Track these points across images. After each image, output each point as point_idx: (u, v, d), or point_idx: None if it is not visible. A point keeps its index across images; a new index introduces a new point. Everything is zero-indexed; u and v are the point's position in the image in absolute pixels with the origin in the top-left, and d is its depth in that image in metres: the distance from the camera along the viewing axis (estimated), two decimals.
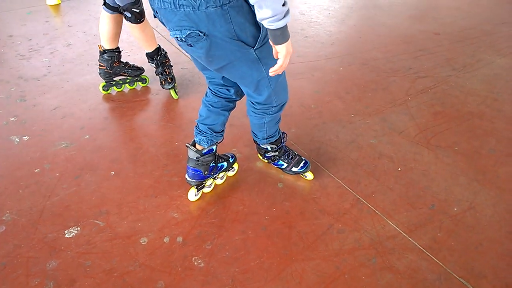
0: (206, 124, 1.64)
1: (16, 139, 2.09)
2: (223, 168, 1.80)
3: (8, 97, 2.45)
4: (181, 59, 2.96)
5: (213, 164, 1.71)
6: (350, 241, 1.59)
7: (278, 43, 1.17)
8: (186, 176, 1.70)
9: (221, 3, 1.13)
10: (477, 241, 1.62)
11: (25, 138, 2.10)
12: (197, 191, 1.75)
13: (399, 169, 1.97)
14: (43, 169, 1.88)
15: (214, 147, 1.68)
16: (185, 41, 1.22)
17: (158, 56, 2.44)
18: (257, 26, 1.23)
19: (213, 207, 1.72)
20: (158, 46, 2.43)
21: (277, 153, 1.84)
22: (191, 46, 1.23)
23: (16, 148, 2.02)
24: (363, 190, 1.83)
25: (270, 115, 1.62)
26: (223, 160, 1.80)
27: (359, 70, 2.91)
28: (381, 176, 1.92)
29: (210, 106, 1.63)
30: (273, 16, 1.08)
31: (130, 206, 1.71)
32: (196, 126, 1.67)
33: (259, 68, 1.34)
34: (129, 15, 2.13)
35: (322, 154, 2.05)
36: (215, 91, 1.62)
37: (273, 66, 1.27)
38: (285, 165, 1.87)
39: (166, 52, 2.50)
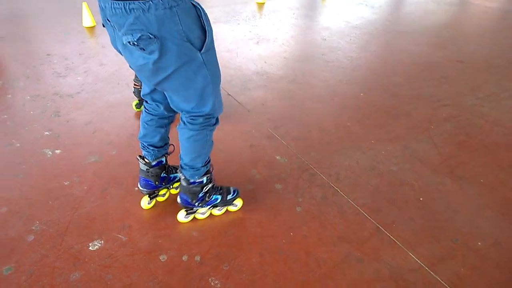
0: (146, 141, 1.72)
1: (49, 152, 2.20)
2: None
3: (43, 112, 2.59)
4: None
5: (165, 174, 1.81)
6: (369, 272, 1.58)
7: None
8: (138, 185, 1.81)
9: (169, 5, 1.19)
10: (502, 279, 1.58)
11: (58, 151, 2.20)
12: (150, 200, 1.83)
13: (421, 199, 1.96)
14: (73, 182, 1.97)
15: (163, 159, 1.76)
16: (137, 45, 1.23)
17: None
18: (204, 30, 1.29)
19: (231, 228, 1.75)
20: None
21: (211, 184, 1.74)
22: (143, 50, 1.25)
23: (48, 160, 2.13)
24: (384, 219, 1.82)
25: (210, 129, 1.59)
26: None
27: (380, 96, 2.93)
28: (402, 205, 1.91)
29: (145, 124, 1.69)
30: None
31: (151, 222, 1.77)
32: None
33: (205, 73, 1.37)
34: None
35: (342, 179, 2.06)
36: (147, 108, 1.67)
37: (217, 74, 1.36)
38: (220, 197, 1.79)
39: None
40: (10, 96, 2.80)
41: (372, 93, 2.96)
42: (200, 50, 1.30)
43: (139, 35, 1.20)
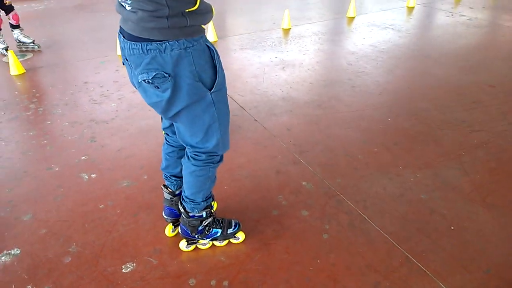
0: (168, 172, 1.77)
1: (85, 176, 2.31)
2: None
3: (80, 138, 2.73)
4: (232, 107, 3.14)
5: None
6: None
7: None
8: (163, 213, 1.87)
9: (185, 46, 1.27)
10: None
11: (93, 175, 2.31)
12: (174, 227, 1.87)
13: (452, 227, 1.92)
14: (107, 206, 2.06)
15: None
16: (152, 83, 1.31)
17: None
18: (215, 70, 1.37)
19: (258, 253, 1.77)
20: None
21: (211, 218, 1.75)
22: (158, 87, 1.32)
23: (84, 184, 2.23)
24: (413, 248, 1.80)
25: (213, 166, 1.62)
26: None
27: (408, 121, 2.91)
28: (432, 234, 1.88)
29: (166, 155, 1.75)
30: None
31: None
32: None
33: (213, 112, 1.43)
34: None
35: (369, 206, 2.05)
36: (168, 140, 1.73)
37: (225, 113, 1.43)
38: (220, 230, 1.79)
39: None
40: (49, 122, 2.97)
41: (400, 118, 2.95)
42: (210, 90, 1.38)
43: (154, 73, 1.29)
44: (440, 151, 2.54)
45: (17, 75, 3.84)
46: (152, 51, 1.26)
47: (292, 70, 3.92)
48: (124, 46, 1.33)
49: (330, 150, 2.56)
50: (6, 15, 4.28)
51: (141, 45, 1.26)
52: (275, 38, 4.91)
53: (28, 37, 4.46)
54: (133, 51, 1.30)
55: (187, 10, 1.25)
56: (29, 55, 4.38)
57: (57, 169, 2.38)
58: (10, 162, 2.47)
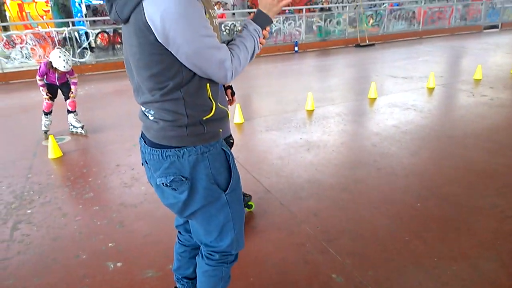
0: (180, 274, 1.75)
1: (111, 265, 2.31)
2: None
3: (109, 223, 2.78)
4: (258, 189, 3.16)
5: None
6: None
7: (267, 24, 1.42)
8: None
9: (201, 151, 1.35)
10: None
11: (119, 264, 2.31)
12: None
13: None
14: None
15: None
16: (169, 186, 1.36)
17: None
18: (229, 172, 1.42)
19: None
20: None
21: None
22: (175, 190, 1.37)
23: (110, 274, 2.23)
24: None
25: (227, 266, 1.59)
26: None
27: (438, 206, 2.83)
28: None
29: (178, 255, 1.74)
30: (251, 59, 1.38)
31: None
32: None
33: (227, 211, 1.45)
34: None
35: None
36: (180, 239, 1.74)
37: (239, 213, 1.46)
38: None
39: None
40: (81, 206, 3.06)
41: (429, 203, 2.88)
42: (225, 191, 1.43)
43: (172, 177, 1.35)
44: (474, 240, 2.43)
45: (55, 158, 4.07)
46: (171, 156, 1.34)
47: (317, 152, 3.98)
48: (145, 151, 1.41)
49: (359, 237, 2.49)
50: (65, 100, 4.73)
51: (161, 151, 1.35)
52: (299, 119, 5.07)
53: (79, 121, 4.84)
54: (153, 156, 1.38)
55: (204, 118, 1.34)
56: (68, 138, 4.67)
57: (84, 256, 2.40)
58: (40, 249, 2.51)
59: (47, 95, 4.54)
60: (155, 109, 1.34)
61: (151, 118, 1.37)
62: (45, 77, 4.47)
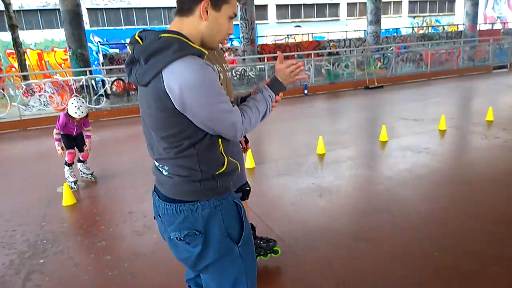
0: None
1: None
2: None
3: (120, 273, 2.75)
4: (271, 237, 3.11)
5: None
6: None
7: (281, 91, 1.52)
8: None
9: (214, 205, 1.38)
10: None
11: None
12: None
13: None
14: None
15: None
16: (183, 240, 1.37)
17: (252, 231, 2.73)
18: (241, 225, 1.42)
19: None
20: (251, 223, 2.73)
21: None
22: (189, 244, 1.38)
23: None
24: None
25: None
26: None
27: (457, 256, 2.73)
28: None
29: None
30: (261, 120, 1.44)
31: None
32: None
33: (239, 265, 1.44)
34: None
35: None
36: None
37: (252, 266, 1.45)
38: None
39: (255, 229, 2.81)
40: (93, 256, 3.05)
41: (448, 253, 2.79)
42: (237, 244, 1.43)
43: (186, 232, 1.37)
44: None
45: (68, 205, 4.10)
46: (184, 211, 1.37)
47: (330, 197, 3.94)
48: (159, 205, 1.44)
49: None
50: (79, 152, 4.77)
51: (175, 206, 1.38)
52: (311, 163, 5.07)
53: (89, 168, 4.89)
54: (167, 211, 1.40)
55: (217, 173, 1.39)
56: (82, 185, 4.73)
57: None
58: None
59: (62, 149, 4.54)
60: (170, 165, 1.39)
61: (165, 173, 1.42)
62: (63, 128, 4.53)
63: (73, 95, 4.56)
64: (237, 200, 1.47)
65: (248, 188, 2.58)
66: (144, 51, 1.29)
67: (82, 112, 4.41)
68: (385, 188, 4.09)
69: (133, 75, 1.34)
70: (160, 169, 1.44)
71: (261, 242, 2.81)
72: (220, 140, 1.39)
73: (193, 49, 1.29)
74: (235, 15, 1.45)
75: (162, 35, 1.30)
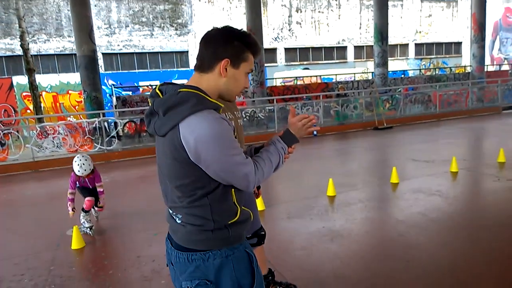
0: None
1: None
2: None
3: None
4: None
5: None
6: None
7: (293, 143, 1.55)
8: None
9: (226, 254, 1.38)
10: None
11: None
12: None
13: None
14: None
15: None
16: None
17: (270, 276, 2.76)
18: (253, 275, 1.41)
19: None
20: (269, 268, 2.82)
21: None
22: None
23: None
24: None
25: None
26: None
27: None
28: None
29: None
30: (274, 171, 1.47)
31: None
32: None
33: None
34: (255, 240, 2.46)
35: None
36: None
37: None
38: None
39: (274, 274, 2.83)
40: None
41: None
42: None
43: (197, 281, 1.37)
44: None
45: (77, 249, 4.08)
46: (196, 260, 1.37)
47: (341, 241, 3.86)
48: (171, 253, 1.46)
49: None
50: (84, 197, 4.58)
51: (187, 255, 1.39)
52: (321, 206, 5.01)
53: (89, 222, 4.55)
54: (179, 259, 1.41)
55: (229, 222, 1.40)
56: (91, 227, 4.71)
57: None
58: None
59: (73, 210, 4.46)
60: (183, 214, 1.42)
61: (178, 221, 1.44)
62: (75, 185, 4.51)
63: (77, 153, 4.53)
64: (249, 249, 1.46)
65: (263, 233, 2.56)
66: (163, 104, 1.35)
67: (85, 170, 4.38)
68: (398, 233, 4.00)
69: (152, 125, 1.40)
70: (174, 216, 1.46)
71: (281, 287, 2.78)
72: (233, 190, 1.42)
73: (210, 103, 1.35)
74: (252, 71, 1.52)
75: (181, 89, 1.37)
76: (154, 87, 1.48)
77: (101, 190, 4.65)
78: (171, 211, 1.48)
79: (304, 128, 1.57)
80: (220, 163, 1.32)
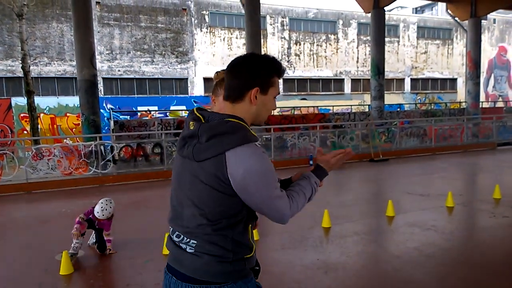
0: None
1: None
2: None
3: None
4: None
5: None
6: None
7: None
8: None
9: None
10: None
11: None
12: None
13: None
14: None
15: None
16: None
17: None
18: None
19: None
20: None
21: None
22: None
23: None
24: None
25: None
26: None
27: None
28: None
29: None
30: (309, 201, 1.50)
31: None
32: None
33: None
34: None
35: None
36: None
37: None
38: None
39: None
40: None
41: None
42: None
43: None
44: None
45: (66, 275, 3.96)
46: None
47: (336, 275, 3.79)
48: (175, 287, 1.39)
49: None
50: (88, 228, 4.47)
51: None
52: (316, 237, 4.95)
53: (75, 250, 4.35)
54: None
55: (245, 256, 1.41)
56: (81, 253, 4.59)
57: None
58: None
59: (77, 230, 4.37)
60: (201, 241, 1.37)
61: (190, 250, 1.38)
62: (88, 216, 4.47)
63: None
64: (259, 284, 1.50)
65: (257, 268, 2.50)
66: (211, 130, 1.34)
67: (103, 215, 4.41)
68: (394, 268, 3.93)
69: (187, 148, 1.38)
70: (183, 245, 1.40)
71: None
72: (250, 226, 1.44)
73: (254, 137, 1.38)
74: (279, 93, 1.54)
75: (230, 119, 1.38)
76: (191, 111, 1.48)
77: (109, 238, 4.61)
78: (178, 239, 1.42)
79: (339, 162, 1.63)
80: (263, 196, 1.34)
